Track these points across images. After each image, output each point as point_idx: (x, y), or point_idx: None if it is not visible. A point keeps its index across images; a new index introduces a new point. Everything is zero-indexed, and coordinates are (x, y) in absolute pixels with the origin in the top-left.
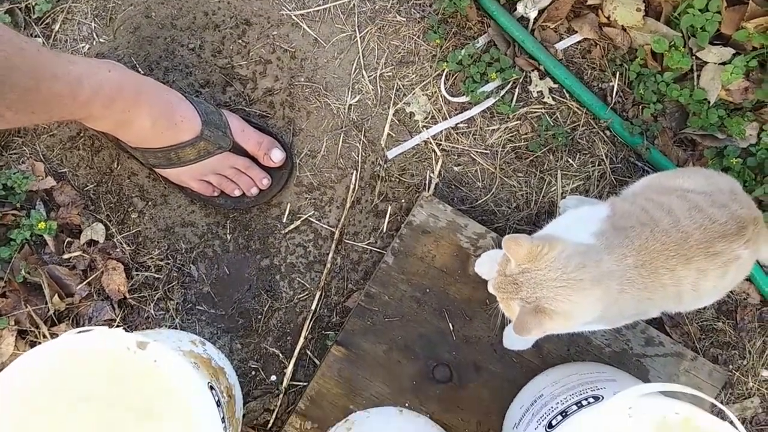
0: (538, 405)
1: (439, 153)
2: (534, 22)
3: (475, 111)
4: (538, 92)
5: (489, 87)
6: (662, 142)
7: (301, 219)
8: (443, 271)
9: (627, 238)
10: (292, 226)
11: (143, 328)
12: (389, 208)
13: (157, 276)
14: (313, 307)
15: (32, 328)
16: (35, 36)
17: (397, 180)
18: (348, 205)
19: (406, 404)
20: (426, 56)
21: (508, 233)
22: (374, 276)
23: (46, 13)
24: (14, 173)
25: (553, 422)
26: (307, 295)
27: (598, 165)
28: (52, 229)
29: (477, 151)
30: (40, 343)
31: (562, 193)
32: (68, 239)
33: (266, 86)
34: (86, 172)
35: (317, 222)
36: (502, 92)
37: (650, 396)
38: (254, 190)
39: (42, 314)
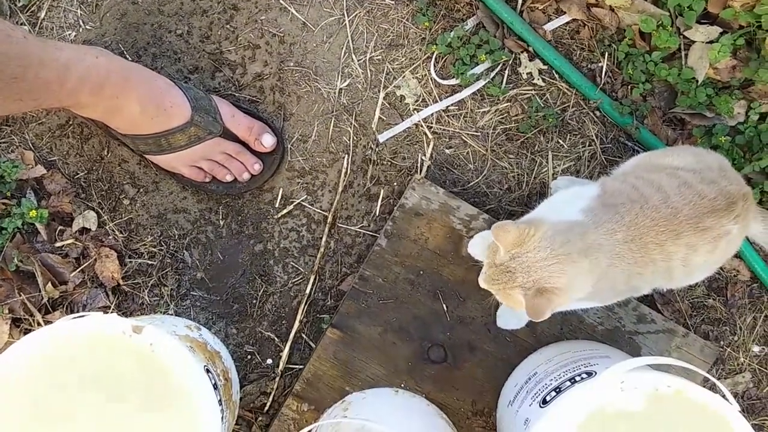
0: (532, 382)
1: (430, 136)
2: (522, 4)
3: (465, 93)
4: (527, 74)
5: (479, 69)
6: (651, 122)
7: (294, 204)
8: (436, 253)
9: (617, 213)
10: (284, 211)
11: (138, 315)
12: (381, 191)
13: (150, 262)
14: (307, 291)
15: (26, 316)
16: (21, 24)
17: (389, 163)
18: (340, 189)
19: (402, 385)
20: (415, 39)
21: (501, 214)
22: (368, 259)
23: (32, 0)
24: (3, 162)
25: (547, 398)
26: (301, 279)
27: (589, 145)
28: (43, 218)
29: (468, 134)
30: (34, 330)
31: (553, 174)
32: (60, 227)
33: (255, 71)
34: (76, 160)
35: (310, 206)
36: (492, 74)
37: (642, 370)
38: (246, 176)
39: (36, 302)
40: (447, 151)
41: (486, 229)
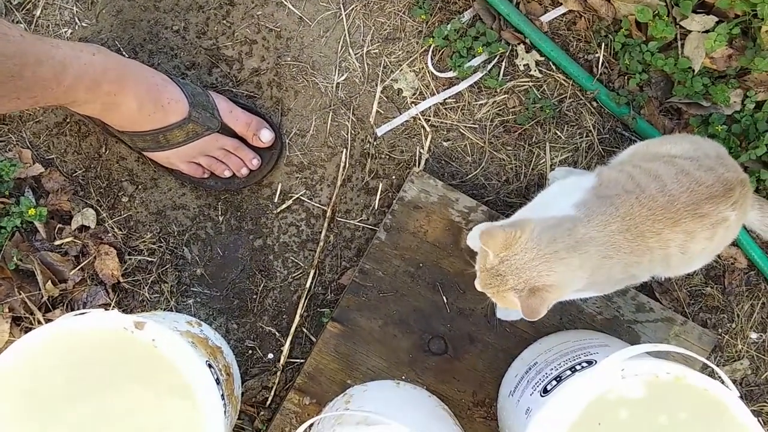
0: (532, 372)
1: (428, 129)
2: None
3: (462, 86)
4: (524, 65)
5: (476, 61)
6: (648, 112)
7: (293, 198)
8: (436, 246)
9: (611, 205)
10: (283, 206)
11: (139, 312)
12: (380, 184)
13: (150, 259)
14: (307, 285)
15: (26, 315)
16: (17, 22)
17: (387, 157)
18: (339, 183)
19: (403, 377)
20: (412, 32)
21: (499, 206)
22: (367, 252)
23: None
24: (1, 161)
25: (548, 387)
26: (301, 273)
27: (586, 136)
28: (42, 216)
29: (466, 126)
30: (35, 329)
31: (551, 165)
32: (59, 225)
33: (253, 66)
34: (74, 157)
35: (309, 201)
36: (489, 66)
37: (642, 358)
38: (244, 171)
39: (36, 301)
40: (445, 143)
41: (485, 221)
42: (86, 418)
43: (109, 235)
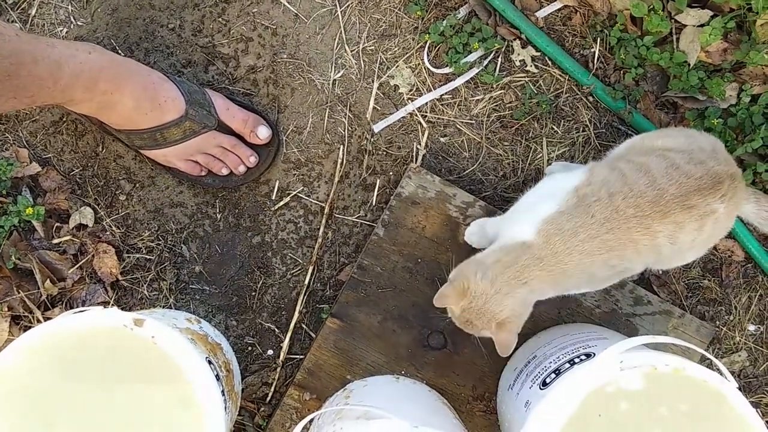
0: (531, 366)
1: (425, 125)
2: None
3: (459, 82)
4: (520, 61)
5: (472, 57)
6: (644, 106)
7: (291, 195)
8: (434, 241)
9: (587, 214)
10: (281, 203)
11: (138, 309)
12: (378, 181)
13: (148, 257)
14: (306, 282)
15: (26, 314)
16: (12, 21)
17: (385, 153)
18: (336, 179)
19: (403, 372)
20: (408, 28)
21: (497, 201)
22: (366, 248)
23: None
24: None
25: (547, 380)
26: (299, 270)
27: (582, 131)
28: (40, 215)
29: (462, 122)
30: (34, 327)
31: (547, 160)
32: (57, 224)
33: (249, 64)
34: (71, 156)
35: (306, 198)
36: (485, 62)
37: (641, 350)
38: (242, 168)
39: (35, 299)
40: (442, 139)
41: (483, 216)
42: (86, 417)
43: (107, 233)
